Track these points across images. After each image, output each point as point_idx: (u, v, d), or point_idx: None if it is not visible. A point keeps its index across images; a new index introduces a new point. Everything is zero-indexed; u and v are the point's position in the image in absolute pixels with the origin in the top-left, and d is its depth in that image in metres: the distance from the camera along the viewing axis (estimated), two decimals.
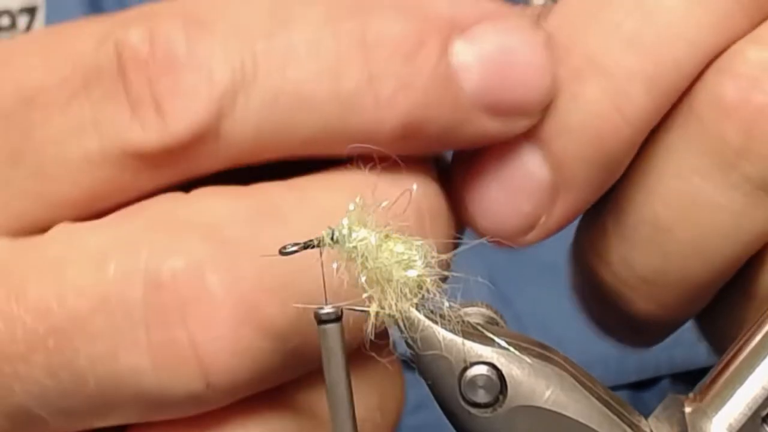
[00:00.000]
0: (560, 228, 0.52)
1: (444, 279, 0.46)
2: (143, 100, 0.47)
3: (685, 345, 0.86)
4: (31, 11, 0.90)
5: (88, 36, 0.49)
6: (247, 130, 0.48)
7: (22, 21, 0.90)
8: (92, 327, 0.46)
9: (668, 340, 0.86)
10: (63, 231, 0.49)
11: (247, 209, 0.48)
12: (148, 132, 0.47)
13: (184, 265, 0.46)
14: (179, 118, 0.47)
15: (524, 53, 0.48)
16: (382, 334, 0.46)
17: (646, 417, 0.47)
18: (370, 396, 0.50)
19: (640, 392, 0.87)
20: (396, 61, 0.48)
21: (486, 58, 0.48)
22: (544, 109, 0.49)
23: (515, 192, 0.51)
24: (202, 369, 0.46)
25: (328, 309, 0.45)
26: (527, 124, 0.50)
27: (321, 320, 0.45)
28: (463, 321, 0.46)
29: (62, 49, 0.49)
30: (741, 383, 0.45)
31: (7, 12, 0.90)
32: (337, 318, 0.45)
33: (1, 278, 0.48)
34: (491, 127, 0.49)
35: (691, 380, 0.85)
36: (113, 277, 0.46)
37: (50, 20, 0.89)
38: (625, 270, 0.52)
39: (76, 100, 0.48)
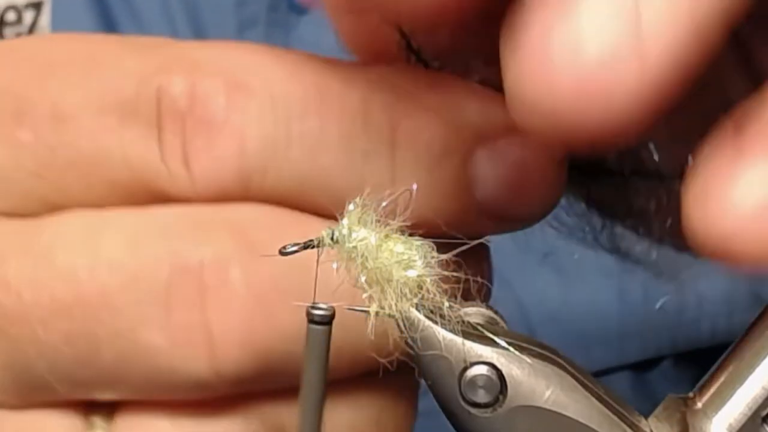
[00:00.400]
0: None
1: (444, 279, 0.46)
2: (174, 151, 0.48)
3: (687, 325, 0.86)
4: (36, 6, 0.90)
5: (130, 72, 0.49)
6: (267, 196, 0.49)
7: (28, 16, 0.90)
8: (118, 301, 0.48)
9: (670, 320, 0.86)
10: (87, 212, 0.50)
11: (274, 217, 0.50)
12: (174, 182, 0.49)
13: (211, 255, 0.48)
14: (206, 178, 0.48)
15: (538, 173, 0.49)
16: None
17: (646, 417, 0.47)
18: (369, 408, 0.52)
19: (642, 373, 0.88)
20: (420, 167, 0.49)
21: (503, 175, 0.49)
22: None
23: None
24: (213, 355, 0.48)
25: (321, 310, 0.46)
26: (523, 227, 0.52)
27: (311, 320, 0.45)
28: (463, 321, 0.46)
29: (103, 78, 0.50)
30: (741, 383, 0.45)
31: (13, 7, 0.90)
32: (327, 321, 0.45)
33: (20, 248, 0.49)
34: (488, 227, 0.51)
35: (693, 360, 0.86)
36: (144, 256, 0.48)
37: (56, 16, 0.89)
38: None
39: (108, 133, 0.49)
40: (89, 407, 0.51)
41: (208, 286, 0.48)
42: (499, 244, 0.82)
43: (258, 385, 0.50)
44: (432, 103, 0.49)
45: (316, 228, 0.49)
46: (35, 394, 0.51)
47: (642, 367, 0.87)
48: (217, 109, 0.48)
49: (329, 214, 0.49)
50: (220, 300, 0.48)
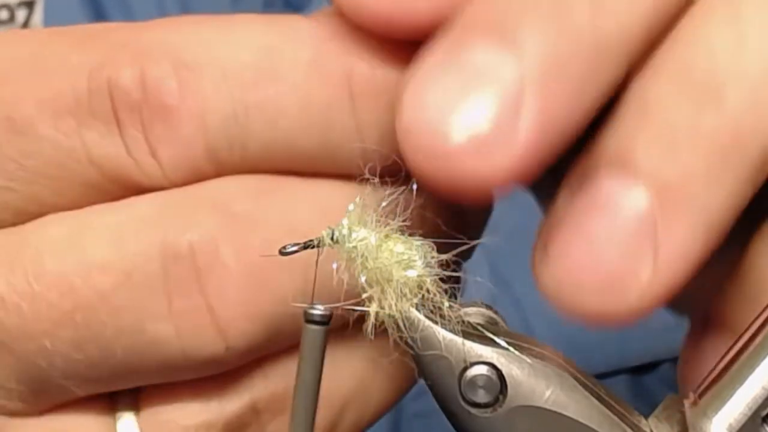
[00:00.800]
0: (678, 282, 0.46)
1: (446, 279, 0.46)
2: (138, 143, 0.48)
3: (686, 328, 0.86)
4: (29, 5, 0.90)
5: (77, 68, 0.49)
6: (239, 167, 0.49)
7: (21, 15, 0.90)
8: (117, 301, 0.48)
9: (669, 323, 0.86)
10: (65, 216, 0.50)
11: (253, 185, 0.50)
12: (145, 172, 0.49)
13: (198, 237, 0.48)
14: (175, 163, 0.48)
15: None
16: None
17: (646, 417, 0.47)
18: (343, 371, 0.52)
19: (640, 377, 0.88)
20: (380, 110, 0.48)
21: None
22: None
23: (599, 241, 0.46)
24: (221, 334, 0.48)
25: (318, 310, 0.46)
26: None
27: (308, 320, 0.45)
28: (463, 321, 0.46)
29: (51, 81, 0.49)
30: (741, 383, 0.45)
31: (6, 6, 0.90)
32: (324, 322, 0.46)
33: (6, 261, 0.49)
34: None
35: None
36: (133, 251, 0.48)
37: (48, 14, 0.89)
38: None
39: (68, 137, 0.49)
40: (112, 398, 0.52)
41: (202, 267, 0.48)
42: (499, 244, 0.82)
43: (268, 349, 0.50)
44: (388, 47, 0.48)
45: (294, 189, 0.49)
46: (54, 399, 0.51)
47: (640, 370, 0.87)
48: (171, 94, 0.48)
49: (303, 171, 0.49)
50: (216, 279, 0.48)
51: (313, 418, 0.46)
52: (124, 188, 0.49)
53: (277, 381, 0.51)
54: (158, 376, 0.50)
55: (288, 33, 0.49)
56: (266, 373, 0.51)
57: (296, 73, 0.48)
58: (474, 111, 0.42)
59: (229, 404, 0.51)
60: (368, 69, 0.48)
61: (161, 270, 0.48)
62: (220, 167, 0.49)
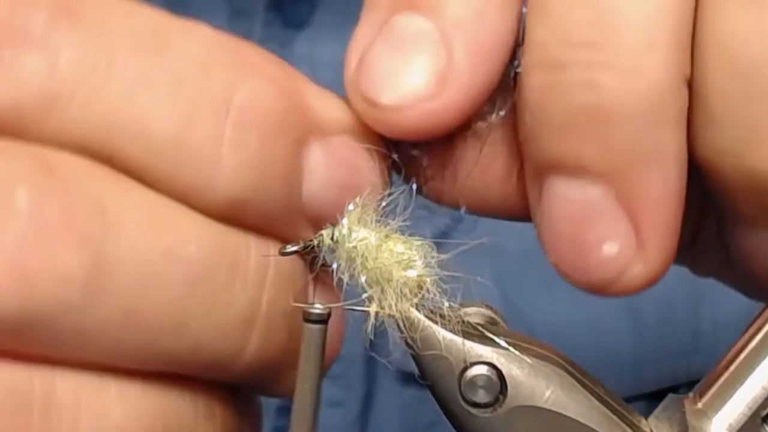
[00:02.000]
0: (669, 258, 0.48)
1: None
2: None
3: (703, 352, 0.86)
4: None
5: None
6: (69, 130, 0.45)
7: None
8: None
9: (686, 348, 0.85)
10: None
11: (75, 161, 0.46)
12: None
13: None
14: (5, 93, 0.45)
15: (367, 176, 0.48)
16: None
17: (646, 417, 0.47)
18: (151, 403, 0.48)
19: (656, 403, 0.87)
20: (252, 134, 0.46)
21: (331, 175, 0.48)
22: None
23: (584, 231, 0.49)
24: None
25: (317, 309, 0.46)
26: None
27: (308, 319, 0.45)
28: (463, 321, 0.46)
29: None
30: (741, 383, 0.45)
31: None
32: (323, 320, 0.46)
33: None
34: (306, 232, 0.48)
35: None
36: None
37: None
38: None
39: None
40: None
41: None
42: (509, 270, 0.81)
43: (24, 337, 0.44)
44: (277, 76, 0.48)
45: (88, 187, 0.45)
46: None
47: (657, 396, 0.86)
48: (36, 25, 0.45)
49: (132, 167, 0.45)
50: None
51: (316, 414, 0.46)
52: None
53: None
54: None
55: (186, 27, 0.47)
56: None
57: (179, 59, 0.46)
58: (419, 68, 0.47)
59: None
60: (254, 88, 0.47)
61: None
62: (50, 116, 0.45)
